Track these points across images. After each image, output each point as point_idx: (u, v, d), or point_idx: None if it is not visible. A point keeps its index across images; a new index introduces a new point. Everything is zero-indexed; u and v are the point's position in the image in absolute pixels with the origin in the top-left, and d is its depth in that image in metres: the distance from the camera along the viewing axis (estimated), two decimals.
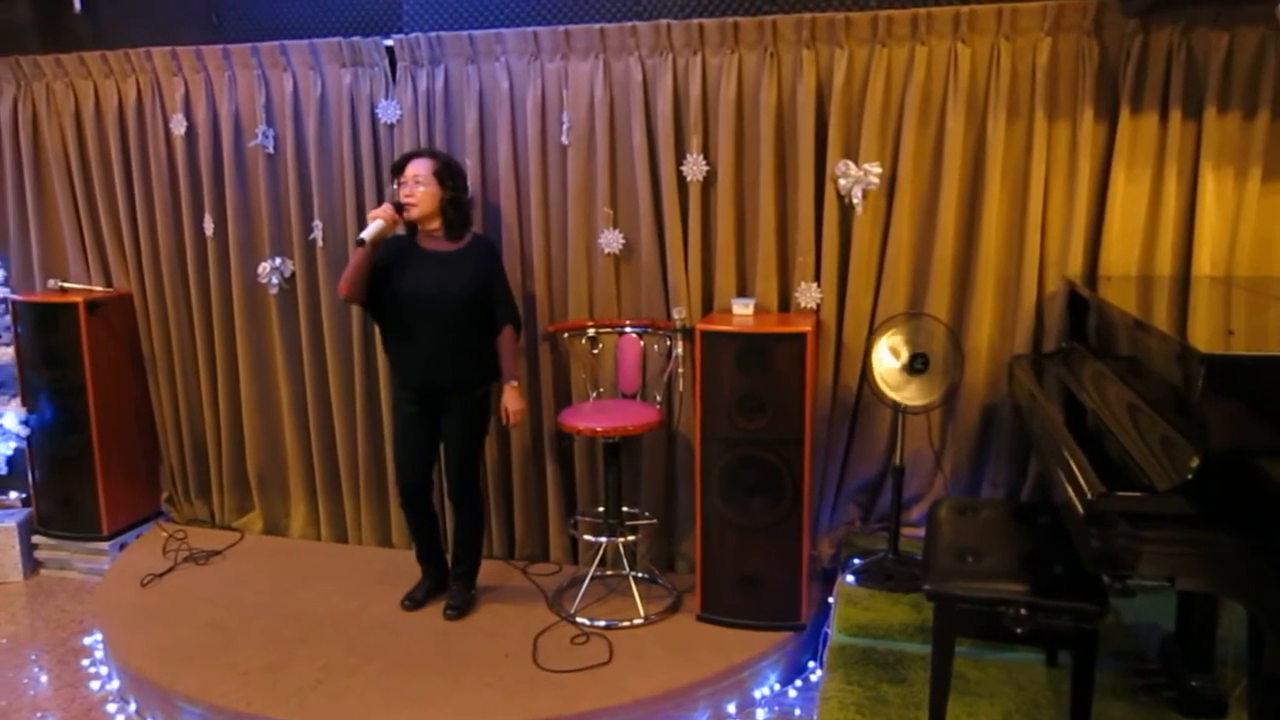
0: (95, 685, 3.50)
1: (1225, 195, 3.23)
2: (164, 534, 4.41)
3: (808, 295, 3.62)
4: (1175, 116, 3.20)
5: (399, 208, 3.39)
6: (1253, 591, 1.97)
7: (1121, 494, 2.02)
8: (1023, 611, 2.35)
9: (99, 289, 4.37)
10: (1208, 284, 3.16)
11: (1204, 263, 3.25)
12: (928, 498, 3.74)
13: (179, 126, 4.13)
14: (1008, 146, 3.38)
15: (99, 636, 3.72)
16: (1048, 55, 3.28)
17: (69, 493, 4.33)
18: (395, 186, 3.47)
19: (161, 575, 4.02)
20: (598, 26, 3.61)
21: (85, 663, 3.64)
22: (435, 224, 3.47)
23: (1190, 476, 1.93)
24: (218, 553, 4.24)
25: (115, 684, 3.48)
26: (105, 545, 4.34)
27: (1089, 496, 2.03)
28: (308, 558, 4.22)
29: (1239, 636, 2.66)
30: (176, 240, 4.27)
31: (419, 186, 3.39)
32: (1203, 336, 2.49)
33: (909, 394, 3.41)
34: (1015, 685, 2.84)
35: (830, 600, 3.53)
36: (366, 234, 3.30)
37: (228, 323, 4.28)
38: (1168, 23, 3.15)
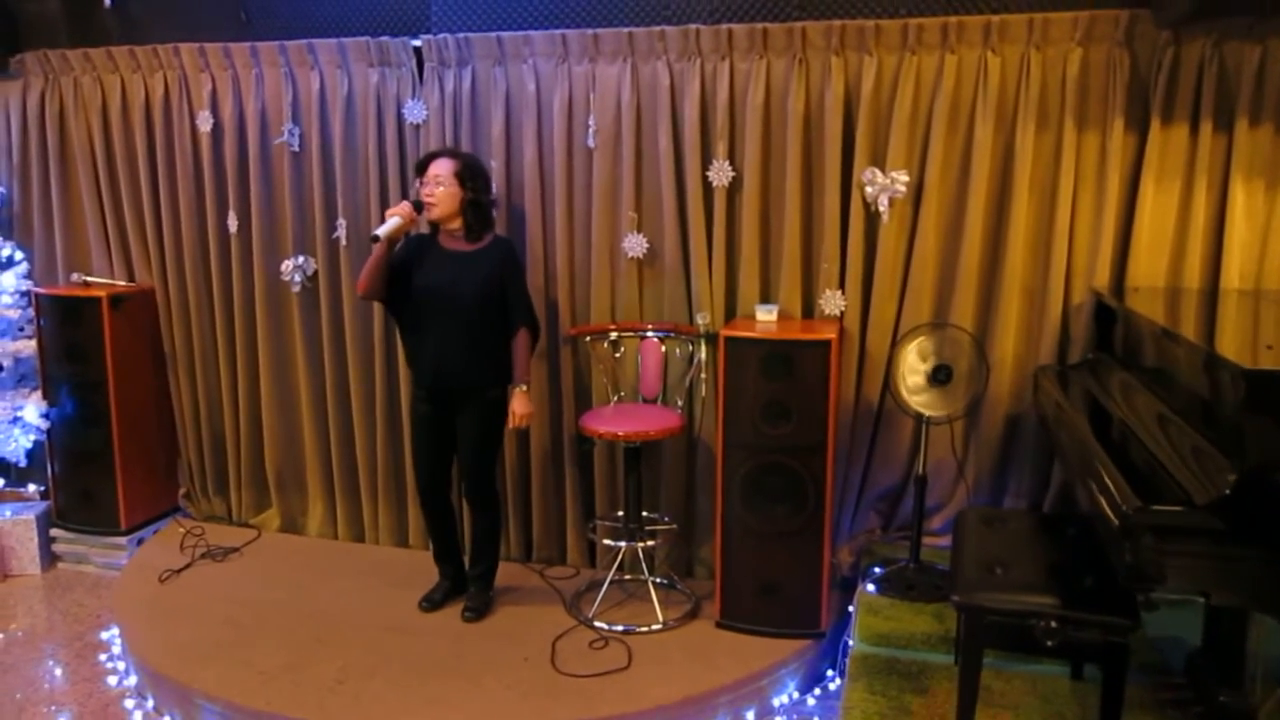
0: (113, 680, 3.50)
1: (1255, 208, 3.22)
2: (181, 530, 4.41)
3: (832, 302, 3.61)
4: (1206, 128, 3.19)
5: (419, 206, 3.40)
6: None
7: (1157, 508, 2.02)
8: (1053, 624, 2.33)
9: (121, 284, 4.38)
10: (1236, 297, 3.15)
11: (1233, 276, 3.23)
12: (949, 507, 3.73)
13: (205, 123, 4.14)
14: (1036, 156, 3.37)
15: (116, 631, 3.72)
16: (1078, 65, 3.27)
17: (88, 487, 4.34)
18: (418, 185, 3.48)
19: (179, 571, 4.02)
20: (626, 30, 3.61)
21: (103, 657, 3.64)
22: (456, 224, 3.47)
23: (1228, 491, 1.92)
24: (235, 550, 4.24)
25: (133, 679, 3.48)
26: (123, 540, 4.35)
27: (1125, 510, 2.02)
28: (325, 557, 4.22)
29: (1268, 652, 2.66)
30: (200, 236, 4.28)
31: (439, 186, 3.40)
32: (1236, 350, 2.47)
33: (933, 404, 3.40)
34: (1040, 697, 2.82)
35: (851, 609, 3.52)
36: (381, 230, 3.31)
37: (249, 320, 4.29)
38: (1200, 34, 3.13)
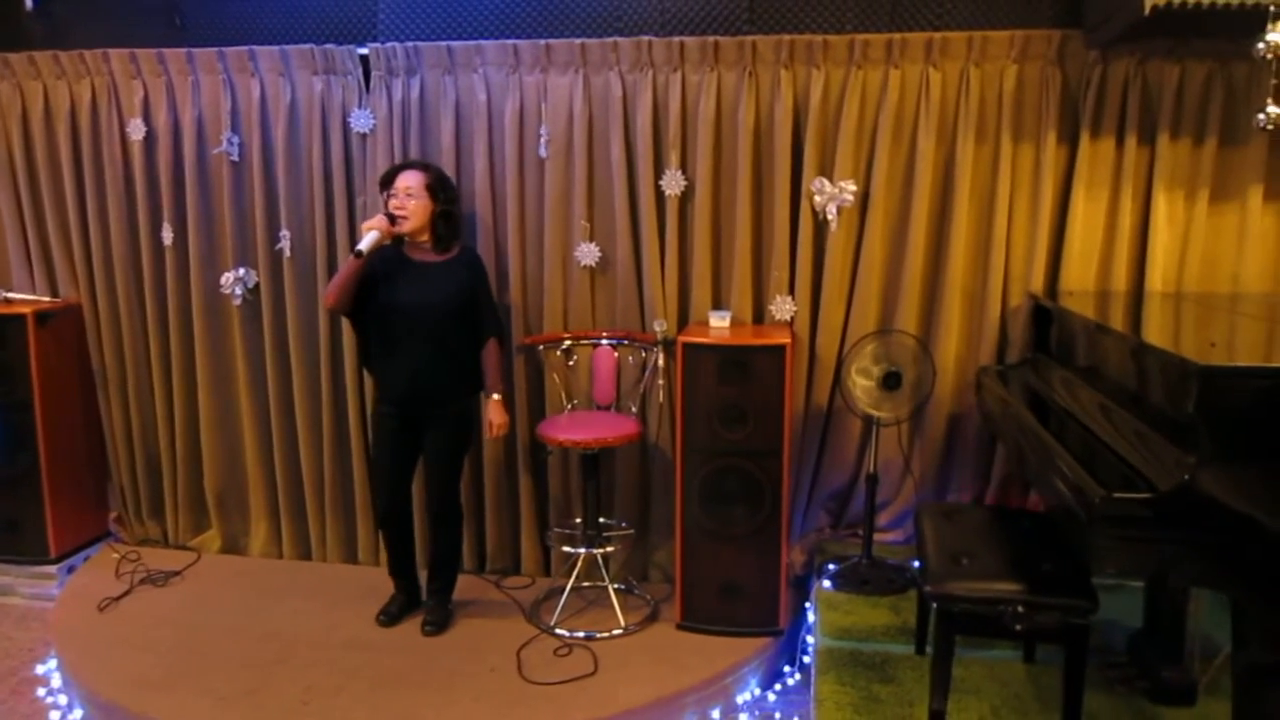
0: (55, 716, 3.33)
1: (1176, 216, 3.45)
2: (116, 555, 4.23)
3: (782, 308, 3.72)
4: (1131, 142, 3.41)
5: (391, 219, 3.37)
6: (1240, 584, 2.12)
7: (1120, 496, 2.15)
8: (1020, 609, 2.46)
9: (46, 300, 4.19)
10: (1160, 299, 3.37)
11: (1156, 279, 3.46)
12: (896, 503, 3.87)
13: (137, 132, 3.99)
14: (976, 167, 3.53)
15: (54, 664, 3.55)
16: (1014, 81, 3.45)
17: (14, 514, 4.13)
18: (385, 197, 3.44)
19: (119, 598, 3.86)
20: (578, 41, 3.65)
21: (41, 692, 3.47)
22: (425, 236, 3.46)
23: (1187, 478, 2.07)
24: (176, 573, 4.09)
25: (78, 714, 3.33)
26: (53, 569, 4.15)
27: (1093, 500, 2.16)
28: (272, 577, 4.11)
29: (1205, 631, 2.86)
30: (132, 249, 4.13)
31: (411, 199, 3.38)
32: (1171, 346, 2.65)
33: (883, 406, 3.54)
34: (998, 681, 2.96)
35: (807, 606, 3.62)
36: (364, 245, 3.27)
37: (186, 335, 4.16)
38: (1125, 54, 3.35)
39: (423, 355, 3.40)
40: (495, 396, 3.55)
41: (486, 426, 3.57)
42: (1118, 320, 3.14)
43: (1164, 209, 3.42)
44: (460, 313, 3.44)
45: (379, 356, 3.49)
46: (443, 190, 3.44)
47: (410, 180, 3.38)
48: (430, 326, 3.39)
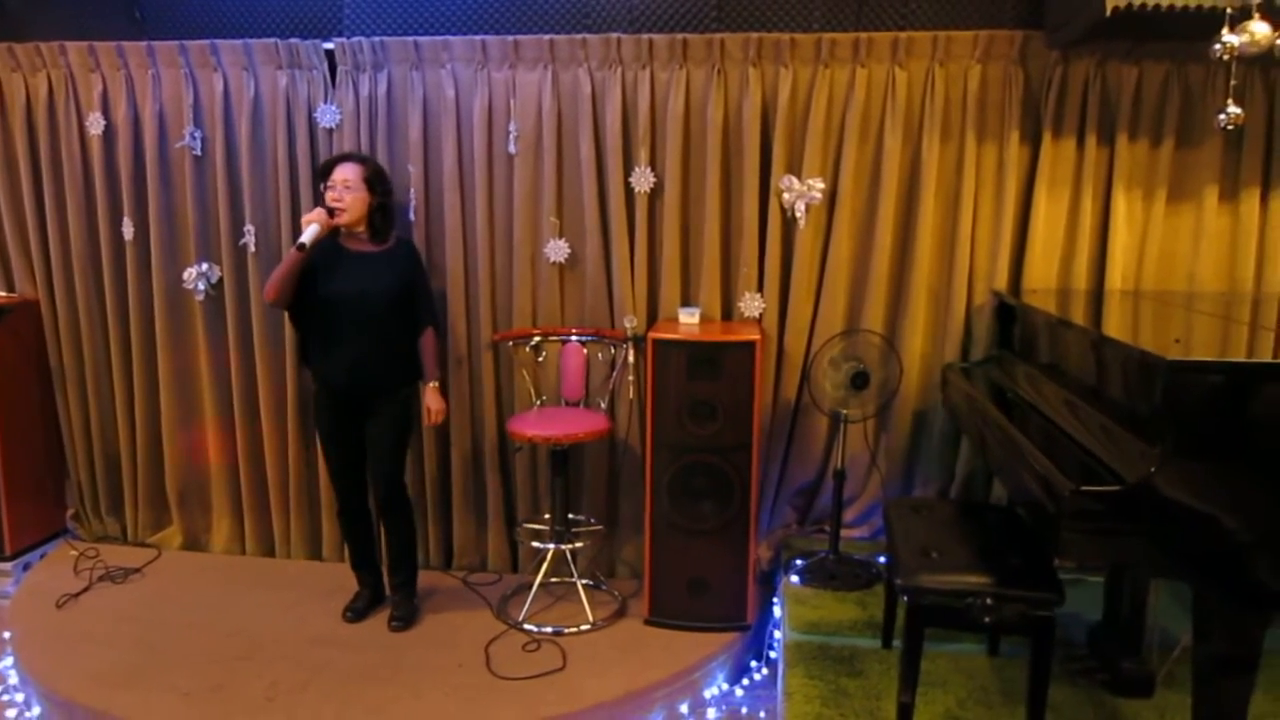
0: (12, 714, 3.28)
1: (1135, 215, 3.51)
2: (73, 552, 4.17)
3: (751, 305, 3.74)
4: (1091, 142, 3.46)
5: (330, 212, 3.36)
6: (1201, 576, 2.16)
7: (1087, 489, 2.19)
8: (988, 602, 2.50)
9: (1, 296, 4.10)
10: (1119, 297, 3.43)
11: (1116, 277, 3.52)
12: (862, 499, 3.91)
13: (96, 126, 3.93)
14: (941, 165, 3.57)
15: (11, 661, 3.48)
16: (978, 81, 3.49)
17: None
18: (321, 189, 3.43)
19: (77, 595, 3.80)
20: (547, 37, 3.64)
21: None
22: (361, 228, 3.46)
23: (1153, 470, 2.11)
24: (136, 570, 4.03)
25: (36, 711, 3.27)
26: (8, 566, 4.07)
27: (1063, 493, 2.19)
28: (235, 573, 4.06)
29: (1162, 624, 2.92)
30: (91, 245, 4.06)
31: (348, 192, 3.37)
32: (1149, 343, 2.70)
33: (851, 404, 3.57)
34: (964, 673, 3.00)
35: (775, 601, 3.65)
36: (306, 238, 3.26)
37: (147, 331, 4.09)
38: (1085, 55, 3.41)
39: (361, 344, 3.40)
40: (432, 384, 3.59)
41: (425, 413, 3.60)
42: (1080, 318, 3.20)
43: (1123, 208, 3.48)
44: (397, 302, 3.45)
45: (319, 348, 3.47)
46: (380, 183, 3.45)
47: (348, 173, 3.37)
48: (368, 315, 3.39)
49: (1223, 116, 2.50)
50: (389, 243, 3.51)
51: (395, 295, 3.44)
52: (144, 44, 3.86)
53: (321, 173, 3.45)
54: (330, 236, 3.42)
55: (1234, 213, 3.47)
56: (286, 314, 3.60)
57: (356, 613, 3.65)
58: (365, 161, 3.46)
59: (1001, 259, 3.58)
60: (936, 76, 3.50)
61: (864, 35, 3.50)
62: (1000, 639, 3.13)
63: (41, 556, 4.22)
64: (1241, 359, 2.25)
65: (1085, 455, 2.37)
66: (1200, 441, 2.10)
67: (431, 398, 3.59)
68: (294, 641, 3.46)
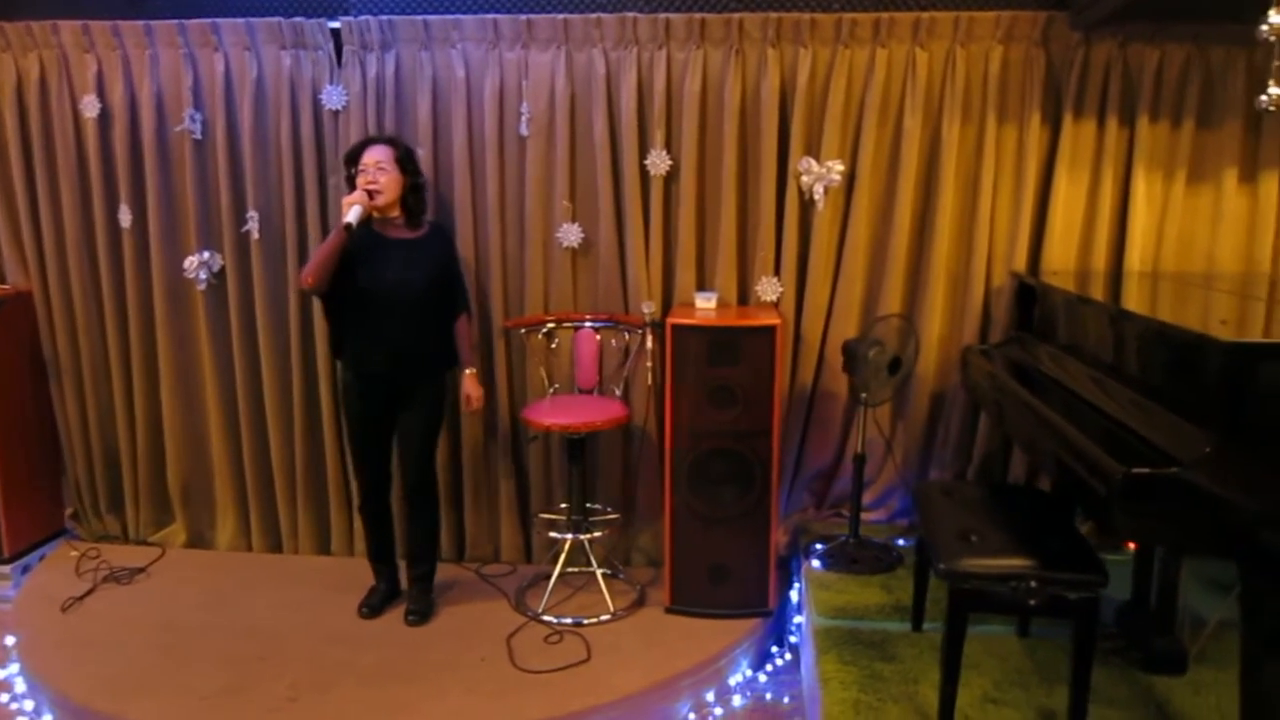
0: None
1: (1154, 197, 3.51)
2: (75, 553, 4.05)
3: (768, 289, 3.70)
4: (1112, 123, 3.46)
5: (367, 194, 3.26)
6: (1249, 557, 2.16)
7: (1139, 471, 2.18)
8: (1033, 585, 2.48)
9: None
10: (1138, 278, 3.44)
11: (1135, 259, 3.52)
12: (879, 482, 3.90)
13: (91, 109, 3.79)
14: (960, 147, 3.55)
15: (16, 669, 3.37)
16: (999, 63, 3.47)
17: None
18: (352, 174, 3.33)
19: (82, 598, 3.69)
20: (561, 17, 3.56)
21: (4, 698, 3.29)
22: (396, 211, 3.37)
23: (1209, 450, 2.10)
24: (141, 570, 3.92)
25: (48, 719, 3.18)
26: (7, 569, 3.94)
27: (1115, 475, 2.18)
28: (242, 570, 3.97)
29: (1193, 602, 2.93)
30: (86, 233, 3.93)
31: (383, 173, 3.28)
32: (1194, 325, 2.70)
33: (870, 388, 3.54)
34: (996, 657, 2.99)
35: (798, 585, 3.63)
36: (352, 218, 3.15)
37: (147, 322, 3.97)
38: (1108, 37, 3.39)
39: (405, 333, 3.33)
40: (470, 370, 3.55)
41: (464, 400, 3.55)
42: (1106, 299, 3.18)
43: (1143, 190, 3.48)
44: (435, 288, 3.40)
45: (357, 337, 3.37)
46: (411, 164, 3.38)
47: (379, 154, 3.29)
48: (412, 303, 3.32)
49: (1264, 98, 2.48)
50: (423, 228, 3.44)
51: (435, 281, 3.39)
52: (141, 24, 3.72)
53: (350, 158, 3.36)
54: (365, 225, 3.33)
55: (1253, 194, 3.48)
56: (321, 302, 3.50)
57: (372, 608, 3.57)
58: (395, 143, 3.38)
59: (1021, 241, 3.56)
60: (958, 58, 3.47)
61: (885, 16, 3.46)
62: (1030, 620, 3.13)
63: (41, 558, 4.10)
64: None
65: (1120, 429, 2.35)
66: (1254, 423, 2.09)
67: (470, 384, 3.56)
68: (311, 640, 3.39)
